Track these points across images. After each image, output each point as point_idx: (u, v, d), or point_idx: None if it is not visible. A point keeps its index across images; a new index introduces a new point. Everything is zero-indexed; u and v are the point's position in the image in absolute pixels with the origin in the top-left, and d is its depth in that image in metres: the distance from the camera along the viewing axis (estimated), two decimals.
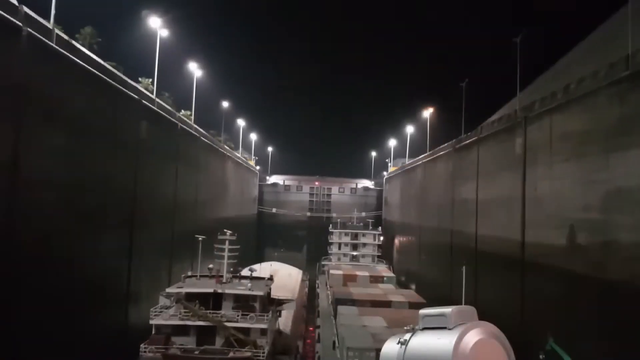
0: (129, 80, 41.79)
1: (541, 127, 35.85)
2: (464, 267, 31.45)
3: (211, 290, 39.19)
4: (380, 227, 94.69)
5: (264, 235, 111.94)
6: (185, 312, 37.63)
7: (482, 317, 3.14)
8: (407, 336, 3.20)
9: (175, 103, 56.15)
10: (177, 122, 54.35)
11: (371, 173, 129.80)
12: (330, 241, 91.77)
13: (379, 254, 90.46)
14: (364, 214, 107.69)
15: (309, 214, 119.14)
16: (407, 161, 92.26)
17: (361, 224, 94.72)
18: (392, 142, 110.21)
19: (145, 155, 43.98)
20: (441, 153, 64.39)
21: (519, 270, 36.94)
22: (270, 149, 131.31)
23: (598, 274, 27.10)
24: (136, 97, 42.71)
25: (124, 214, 40.97)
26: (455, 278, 48.41)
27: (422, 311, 3.25)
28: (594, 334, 26.67)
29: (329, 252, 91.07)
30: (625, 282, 24.67)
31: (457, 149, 57.28)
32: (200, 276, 43.67)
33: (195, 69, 64.76)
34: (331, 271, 73.32)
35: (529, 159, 37.34)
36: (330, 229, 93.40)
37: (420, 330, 3.18)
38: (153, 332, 37.41)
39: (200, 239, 44.10)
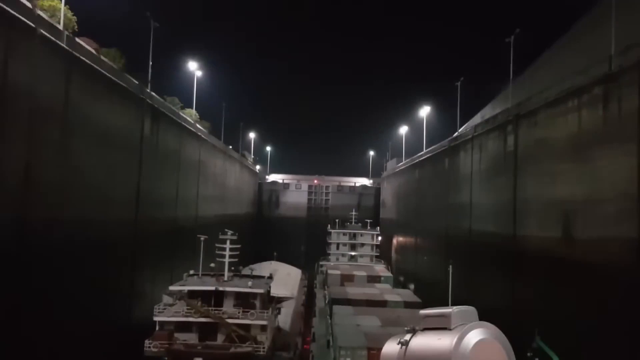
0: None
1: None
2: (450, 267, 32.32)
3: (213, 288, 40.63)
4: (378, 227, 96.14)
5: (264, 236, 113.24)
6: (187, 309, 39.05)
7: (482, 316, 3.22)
8: (407, 337, 3.23)
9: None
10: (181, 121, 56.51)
11: (369, 172, 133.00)
12: (328, 241, 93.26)
13: (377, 253, 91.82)
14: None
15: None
16: (404, 159, 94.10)
17: (359, 224, 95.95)
18: (390, 138, 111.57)
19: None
20: (436, 152, 66.41)
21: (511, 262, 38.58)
22: (268, 148, 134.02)
23: None
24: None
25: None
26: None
27: (423, 311, 3.28)
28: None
29: (328, 252, 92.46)
30: None
31: (452, 146, 58.89)
32: (203, 274, 45.07)
33: (195, 69, 68.09)
34: (329, 271, 74.69)
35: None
36: (329, 229, 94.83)
37: (421, 330, 3.21)
38: (157, 328, 38.78)
39: (202, 238, 45.49)
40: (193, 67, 67.94)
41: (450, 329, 3.02)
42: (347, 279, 69.87)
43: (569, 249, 30.15)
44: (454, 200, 56.06)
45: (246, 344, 38.06)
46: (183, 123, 58.23)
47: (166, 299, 41.74)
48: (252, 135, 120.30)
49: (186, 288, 40.84)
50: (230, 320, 38.74)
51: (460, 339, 2.93)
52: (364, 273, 73.68)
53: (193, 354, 37.28)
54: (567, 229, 30.67)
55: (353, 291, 60.05)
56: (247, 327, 39.21)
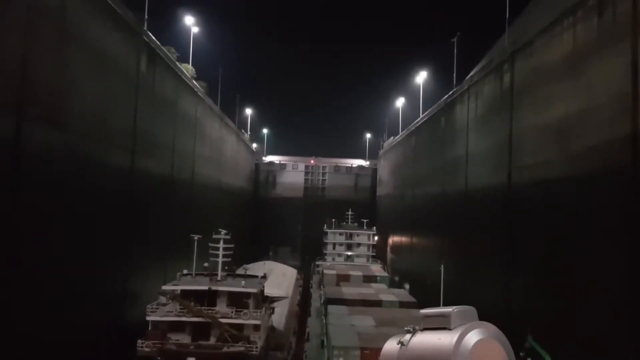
0: None
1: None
2: (442, 266, 32.10)
3: (206, 288, 40.46)
4: (374, 227, 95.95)
5: (261, 215, 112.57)
6: (180, 309, 38.87)
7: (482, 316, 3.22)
8: (407, 337, 3.23)
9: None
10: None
11: (366, 153, 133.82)
12: (325, 241, 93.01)
13: (373, 253, 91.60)
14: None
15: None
16: (401, 132, 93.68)
17: (356, 224, 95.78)
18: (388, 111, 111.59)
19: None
20: (433, 113, 65.86)
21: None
22: (265, 130, 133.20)
23: None
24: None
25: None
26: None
27: (423, 311, 3.29)
28: None
29: (324, 252, 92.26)
30: None
31: (448, 103, 58.24)
32: (196, 274, 44.87)
33: (192, 24, 67.01)
34: (325, 271, 74.57)
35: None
36: (325, 229, 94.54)
37: (421, 330, 3.22)
38: (149, 328, 38.57)
39: (195, 238, 45.29)
40: (190, 21, 66.89)
41: (450, 329, 3.03)
42: (343, 279, 69.74)
43: (564, 166, 29.59)
44: (450, 155, 55.05)
45: (239, 344, 37.87)
46: (180, 74, 57.24)
47: (161, 298, 41.59)
48: (248, 111, 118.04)
49: (179, 287, 40.63)
50: (223, 320, 38.56)
51: (461, 338, 2.94)
52: (360, 273, 73.57)
53: (186, 353, 37.10)
54: (562, 147, 30.04)
55: (348, 291, 59.94)
56: (240, 327, 39.05)
